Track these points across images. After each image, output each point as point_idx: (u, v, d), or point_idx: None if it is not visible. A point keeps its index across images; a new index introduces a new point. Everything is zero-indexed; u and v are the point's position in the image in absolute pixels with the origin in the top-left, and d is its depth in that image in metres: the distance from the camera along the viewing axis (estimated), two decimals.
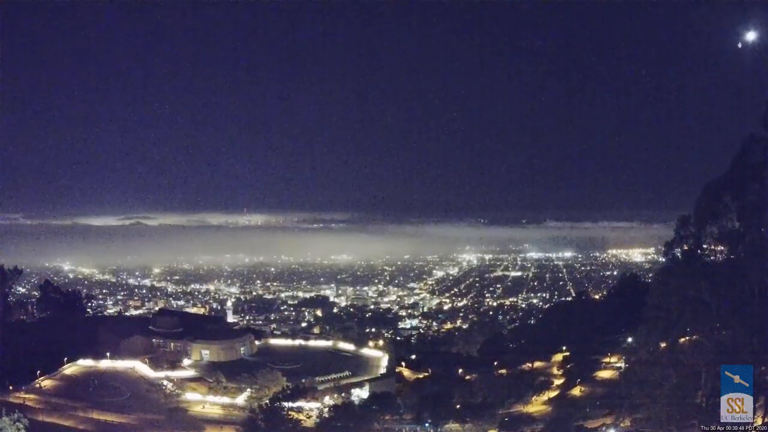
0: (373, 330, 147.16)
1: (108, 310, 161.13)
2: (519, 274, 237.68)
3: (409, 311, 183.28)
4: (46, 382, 75.01)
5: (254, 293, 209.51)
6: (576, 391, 78.35)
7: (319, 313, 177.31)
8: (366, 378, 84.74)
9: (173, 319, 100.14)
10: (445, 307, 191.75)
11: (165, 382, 78.63)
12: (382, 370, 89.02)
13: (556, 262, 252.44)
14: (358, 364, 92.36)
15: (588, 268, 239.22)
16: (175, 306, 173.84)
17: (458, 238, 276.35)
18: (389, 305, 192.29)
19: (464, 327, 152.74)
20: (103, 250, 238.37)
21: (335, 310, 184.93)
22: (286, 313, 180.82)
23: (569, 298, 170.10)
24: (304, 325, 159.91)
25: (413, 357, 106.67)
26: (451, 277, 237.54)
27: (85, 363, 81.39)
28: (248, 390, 76.42)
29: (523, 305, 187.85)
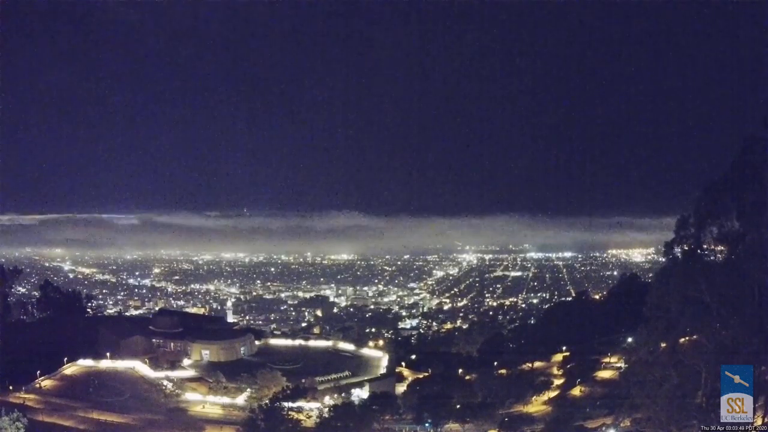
0: (373, 330, 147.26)
1: (108, 310, 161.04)
2: (519, 274, 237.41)
3: (410, 311, 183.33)
4: (46, 382, 75.09)
5: (254, 293, 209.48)
6: (576, 391, 78.40)
7: (319, 313, 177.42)
8: (366, 378, 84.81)
9: (173, 319, 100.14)
10: (445, 307, 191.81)
11: (165, 382, 78.69)
12: (382, 370, 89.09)
13: (556, 262, 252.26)
14: (358, 364, 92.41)
15: (588, 268, 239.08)
16: (175, 306, 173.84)
17: (458, 238, 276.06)
18: (389, 305, 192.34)
19: (464, 327, 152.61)
20: (103, 248, 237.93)
21: (335, 310, 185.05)
22: (286, 313, 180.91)
23: (569, 298, 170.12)
24: (304, 325, 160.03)
25: (413, 357, 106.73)
26: (451, 277, 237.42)
27: (85, 363, 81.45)
28: (248, 390, 76.45)
29: (523, 305, 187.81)
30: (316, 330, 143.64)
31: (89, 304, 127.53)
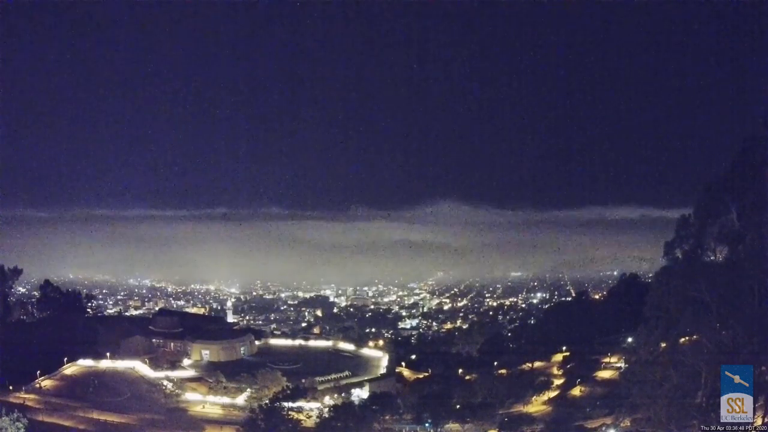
0: (373, 330, 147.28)
1: (108, 310, 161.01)
2: (519, 273, 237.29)
3: (410, 311, 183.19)
4: (46, 382, 75.12)
5: (254, 293, 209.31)
6: (576, 391, 78.39)
7: (319, 313, 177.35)
8: (366, 378, 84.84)
9: (173, 319, 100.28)
10: (445, 307, 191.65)
11: (165, 382, 78.76)
12: (382, 370, 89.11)
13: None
14: (358, 364, 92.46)
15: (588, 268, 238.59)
16: (175, 306, 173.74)
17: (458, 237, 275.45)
18: (389, 305, 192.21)
19: (464, 327, 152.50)
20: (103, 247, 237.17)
21: (335, 310, 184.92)
22: (286, 313, 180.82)
23: (569, 298, 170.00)
24: (304, 325, 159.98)
25: (413, 357, 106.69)
26: (451, 277, 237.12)
27: (85, 363, 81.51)
28: (248, 390, 76.53)
29: (523, 305, 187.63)
30: (316, 330, 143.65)
31: (89, 304, 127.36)
